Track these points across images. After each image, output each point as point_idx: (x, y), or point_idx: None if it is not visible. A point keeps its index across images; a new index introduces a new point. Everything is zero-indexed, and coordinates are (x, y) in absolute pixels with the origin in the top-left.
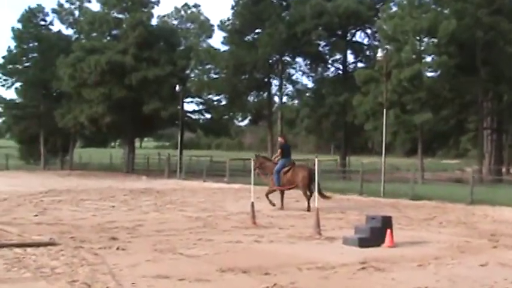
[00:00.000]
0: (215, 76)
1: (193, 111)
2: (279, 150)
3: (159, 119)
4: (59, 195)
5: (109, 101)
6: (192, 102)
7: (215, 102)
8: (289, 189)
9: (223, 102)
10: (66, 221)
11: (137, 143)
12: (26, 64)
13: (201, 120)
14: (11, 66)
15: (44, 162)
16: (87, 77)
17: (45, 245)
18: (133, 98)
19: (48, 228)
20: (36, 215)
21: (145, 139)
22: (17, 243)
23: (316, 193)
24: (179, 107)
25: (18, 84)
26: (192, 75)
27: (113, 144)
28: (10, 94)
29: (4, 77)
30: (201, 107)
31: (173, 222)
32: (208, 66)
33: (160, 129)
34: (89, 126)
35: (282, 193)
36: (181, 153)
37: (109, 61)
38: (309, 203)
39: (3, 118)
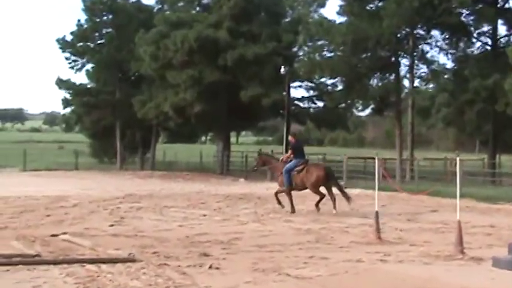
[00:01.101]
0: (329, 55)
1: (302, 99)
2: (290, 151)
3: (259, 108)
4: (139, 201)
5: (199, 86)
6: (300, 87)
7: (329, 87)
8: (301, 190)
9: (340, 87)
10: (148, 233)
11: (233, 138)
12: (99, 42)
13: (311, 110)
14: (81, 44)
15: (121, 160)
16: (172, 57)
17: (123, 261)
18: (228, 82)
19: (126, 241)
20: (112, 225)
21: (243, 133)
22: (89, 258)
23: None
24: (284, 93)
25: (89, 66)
26: (301, 53)
27: (203, 139)
28: (80, 78)
29: (73, 57)
30: (311, 93)
31: (278, 235)
32: (320, 43)
33: (261, 120)
34: (174, 117)
35: (290, 195)
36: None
37: (199, 37)
38: (335, 205)
39: (72, 107)
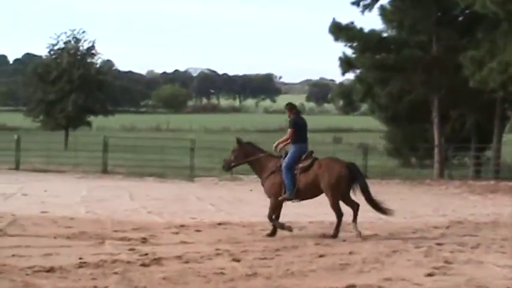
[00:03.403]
0: None
1: None
2: (289, 131)
3: None
4: (475, 233)
5: None
6: None
7: None
8: (308, 198)
9: None
10: None
11: None
12: None
13: None
14: None
15: (440, 162)
16: None
17: None
18: None
19: None
20: (430, 275)
21: None
22: None
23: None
24: None
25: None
26: None
27: None
28: (371, 21)
29: None
30: None
31: None
32: None
33: None
34: None
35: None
36: None
37: None
38: (355, 219)
39: (358, 71)
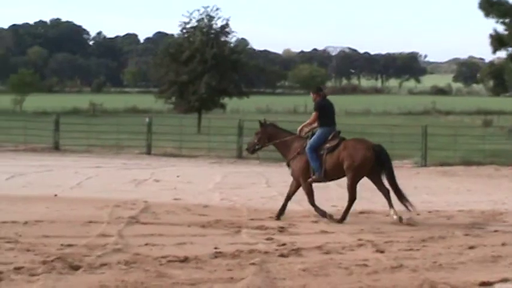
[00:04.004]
0: None
1: None
2: (314, 114)
3: None
4: None
5: None
6: None
7: None
8: (335, 179)
9: None
10: None
11: None
12: None
13: None
14: None
15: None
16: None
17: None
18: None
19: None
20: None
21: None
22: None
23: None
24: None
25: None
26: None
27: None
28: None
29: None
30: None
31: None
32: None
33: None
34: None
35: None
36: None
37: None
38: (391, 204)
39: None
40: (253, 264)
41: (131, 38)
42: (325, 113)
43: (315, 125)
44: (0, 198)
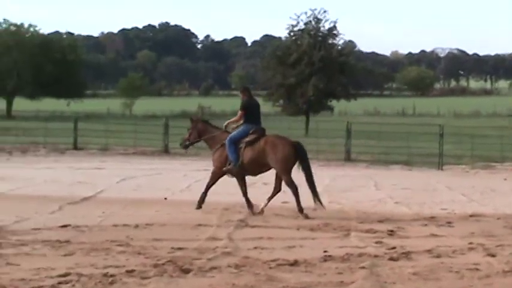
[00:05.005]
0: None
1: None
2: (239, 113)
3: None
4: None
5: None
6: None
7: None
8: (256, 174)
9: None
10: None
11: None
12: None
13: None
14: None
15: None
16: None
17: None
18: None
19: None
20: None
21: None
22: None
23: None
24: None
25: None
26: None
27: None
28: None
29: None
30: None
31: None
32: None
33: None
34: None
35: (243, 180)
36: None
37: None
38: (298, 200)
39: None
40: (363, 268)
41: (239, 41)
42: (250, 112)
43: (241, 122)
44: (111, 201)
